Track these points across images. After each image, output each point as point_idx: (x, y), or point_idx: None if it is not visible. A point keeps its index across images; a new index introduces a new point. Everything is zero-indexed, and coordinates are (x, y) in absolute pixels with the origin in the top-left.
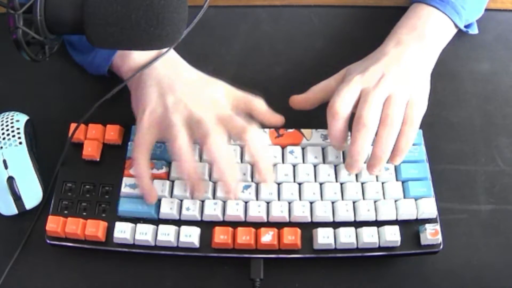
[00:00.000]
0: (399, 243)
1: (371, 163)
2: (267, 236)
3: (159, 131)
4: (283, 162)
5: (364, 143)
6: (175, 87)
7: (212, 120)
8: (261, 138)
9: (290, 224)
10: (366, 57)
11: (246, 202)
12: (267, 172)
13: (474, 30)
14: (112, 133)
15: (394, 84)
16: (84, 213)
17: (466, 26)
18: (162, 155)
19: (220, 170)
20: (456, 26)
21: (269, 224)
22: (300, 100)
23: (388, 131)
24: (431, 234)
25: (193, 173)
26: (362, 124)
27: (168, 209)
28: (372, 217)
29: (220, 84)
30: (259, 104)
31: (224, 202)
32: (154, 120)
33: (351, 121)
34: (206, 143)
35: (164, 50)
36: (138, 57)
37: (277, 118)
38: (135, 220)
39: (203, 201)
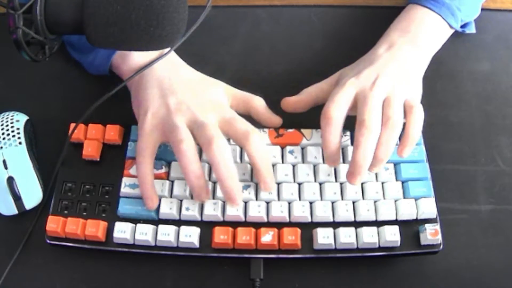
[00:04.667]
0: (399, 243)
1: (371, 164)
2: (267, 236)
3: (162, 133)
4: (282, 162)
5: (368, 146)
6: (176, 88)
7: (215, 124)
8: (263, 144)
9: (290, 224)
10: (359, 60)
11: (246, 202)
12: (269, 181)
13: (471, 29)
14: (112, 133)
15: (390, 84)
16: (84, 213)
17: (462, 26)
18: (162, 155)
19: (222, 177)
20: (451, 27)
21: (269, 224)
22: (292, 103)
23: (390, 134)
24: (431, 234)
25: (198, 177)
26: (365, 127)
27: (168, 209)
28: (372, 217)
29: (219, 84)
30: (258, 103)
31: (224, 202)
32: (157, 122)
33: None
34: (209, 149)
35: (166, 50)
36: (138, 57)
37: (276, 119)
38: (135, 220)
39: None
